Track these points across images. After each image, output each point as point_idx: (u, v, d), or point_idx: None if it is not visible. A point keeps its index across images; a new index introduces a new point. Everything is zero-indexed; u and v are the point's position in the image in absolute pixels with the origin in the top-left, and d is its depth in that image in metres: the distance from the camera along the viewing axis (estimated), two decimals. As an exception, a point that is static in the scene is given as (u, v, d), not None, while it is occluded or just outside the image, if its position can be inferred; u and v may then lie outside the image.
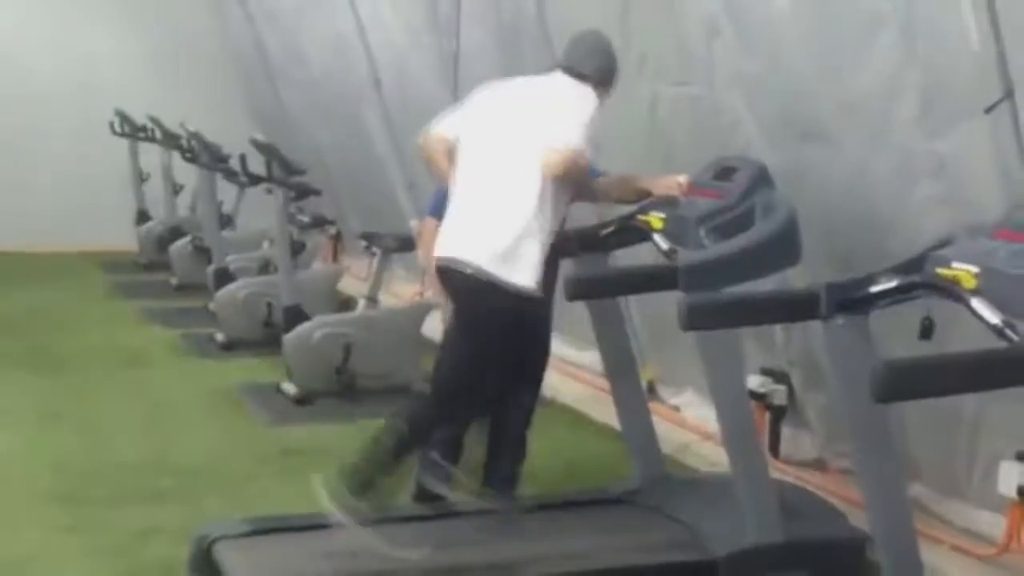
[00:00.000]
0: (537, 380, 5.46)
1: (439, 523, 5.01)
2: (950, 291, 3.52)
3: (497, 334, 4.76)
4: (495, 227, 4.68)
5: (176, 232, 11.65)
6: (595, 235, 5.05)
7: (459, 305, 4.89)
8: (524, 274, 4.63)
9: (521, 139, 4.73)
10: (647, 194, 4.94)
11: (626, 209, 5.04)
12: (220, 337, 8.92)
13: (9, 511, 5.51)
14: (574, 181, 4.75)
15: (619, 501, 5.12)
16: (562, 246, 5.13)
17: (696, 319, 4.02)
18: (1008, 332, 3.30)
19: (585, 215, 5.37)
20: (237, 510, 5.16)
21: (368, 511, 4.59)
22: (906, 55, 4.48)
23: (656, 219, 4.77)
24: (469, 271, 4.67)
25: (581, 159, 4.67)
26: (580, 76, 4.89)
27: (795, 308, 4.13)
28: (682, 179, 4.86)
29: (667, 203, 4.82)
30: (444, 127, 4.93)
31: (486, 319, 4.76)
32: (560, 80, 4.91)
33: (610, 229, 4.99)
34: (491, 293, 4.65)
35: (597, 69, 4.95)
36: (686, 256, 4.44)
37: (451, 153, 4.86)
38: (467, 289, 4.73)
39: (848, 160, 4.91)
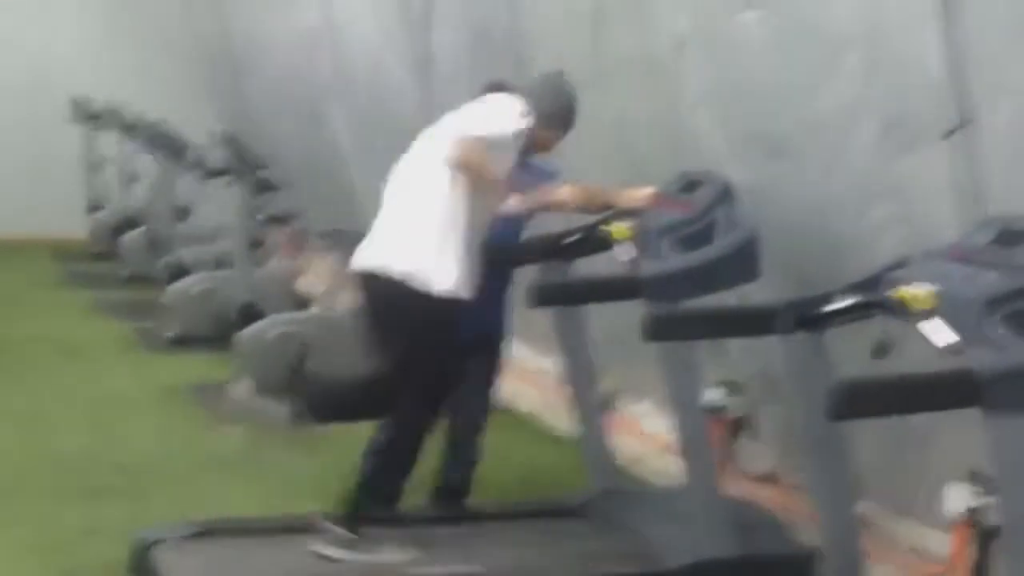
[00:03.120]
0: (486, 386, 5.45)
1: (390, 531, 5.00)
2: (903, 312, 3.55)
3: (416, 338, 4.80)
4: (407, 234, 4.75)
5: (130, 222, 11.56)
6: (558, 243, 5.06)
7: (377, 313, 4.91)
8: (439, 276, 4.68)
9: (437, 149, 4.77)
10: (611, 207, 4.95)
11: (590, 218, 5.05)
12: (170, 332, 8.84)
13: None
14: (477, 173, 4.71)
15: (573, 512, 5.13)
16: (522, 254, 5.15)
17: (661, 330, 4.06)
18: (958, 354, 3.34)
19: (550, 223, 5.37)
20: (180, 510, 5.11)
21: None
22: (868, 78, 4.53)
23: (619, 229, 4.79)
24: (384, 277, 4.73)
25: (481, 149, 4.66)
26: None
27: (756, 323, 4.18)
28: (649, 192, 4.88)
29: (632, 215, 4.84)
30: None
31: (404, 324, 4.80)
32: (498, 97, 4.94)
33: (573, 237, 5.01)
34: (406, 297, 4.70)
35: (548, 107, 4.93)
36: (650, 267, 4.46)
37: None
38: (383, 295, 4.79)
39: (809, 179, 4.95)
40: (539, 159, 5.15)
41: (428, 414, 4.94)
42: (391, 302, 4.77)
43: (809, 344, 3.90)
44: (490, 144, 4.67)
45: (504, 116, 4.79)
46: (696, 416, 4.75)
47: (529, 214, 5.15)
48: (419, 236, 4.72)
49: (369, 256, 4.82)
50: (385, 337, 4.90)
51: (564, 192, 4.97)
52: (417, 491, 5.45)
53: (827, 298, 3.84)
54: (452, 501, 5.44)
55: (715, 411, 5.84)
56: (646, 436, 6.64)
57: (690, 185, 4.82)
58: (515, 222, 5.20)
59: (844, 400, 3.27)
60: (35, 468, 5.92)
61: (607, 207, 4.95)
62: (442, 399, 5.01)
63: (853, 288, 3.80)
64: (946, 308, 3.43)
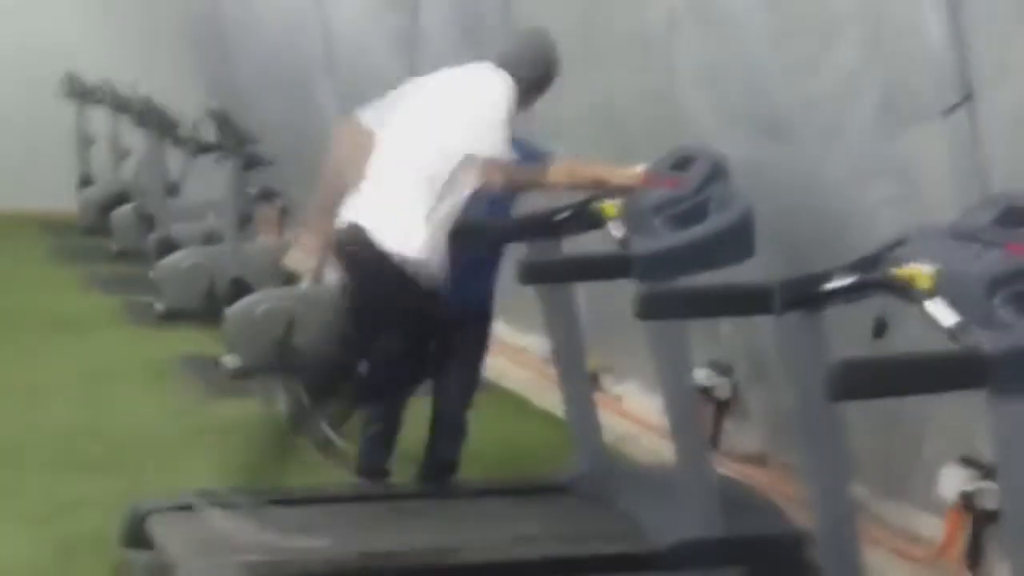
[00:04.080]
0: (475, 361, 5.41)
1: (376, 505, 4.98)
2: (904, 291, 3.50)
3: (388, 305, 4.76)
4: (398, 204, 4.67)
5: (120, 198, 11.50)
6: (548, 220, 5.01)
7: (355, 275, 4.85)
8: (419, 248, 4.62)
9: (438, 126, 4.72)
10: (601, 185, 4.87)
11: (580, 195, 5.00)
12: (160, 306, 8.81)
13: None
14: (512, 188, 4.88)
15: (561, 489, 5.10)
16: (513, 231, 5.10)
17: (652, 309, 4.01)
18: (963, 334, 3.29)
19: (539, 200, 5.32)
20: (171, 483, 5.11)
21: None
22: (867, 55, 4.48)
23: (610, 206, 4.73)
24: (367, 241, 4.64)
25: (507, 168, 4.72)
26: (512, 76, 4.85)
27: (749, 302, 4.12)
28: (639, 170, 4.82)
29: (622, 193, 4.78)
30: (367, 117, 4.90)
31: (379, 291, 4.74)
32: (483, 71, 4.87)
33: (564, 215, 4.94)
34: (386, 267, 4.63)
35: (529, 73, 4.89)
36: (641, 245, 4.41)
37: (366, 146, 4.82)
38: (364, 260, 4.70)
39: (806, 156, 4.91)
40: (525, 130, 5.10)
41: (392, 384, 4.92)
42: (370, 268, 4.70)
43: (806, 324, 3.85)
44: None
45: (497, 107, 4.73)
46: (686, 395, 4.70)
47: (514, 193, 5.11)
48: (409, 206, 4.65)
49: (356, 214, 4.73)
50: (361, 303, 4.85)
51: (552, 173, 4.91)
52: (405, 466, 5.45)
53: (825, 277, 3.77)
54: (440, 477, 5.41)
55: (704, 391, 5.83)
56: (632, 415, 6.62)
57: (683, 161, 4.75)
58: (505, 198, 5.15)
59: (845, 380, 3.20)
60: (27, 440, 5.91)
61: (597, 186, 4.89)
62: (406, 373, 4.98)
63: (852, 267, 3.74)
64: (948, 288, 3.35)
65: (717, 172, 4.68)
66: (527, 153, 5.17)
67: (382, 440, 5.36)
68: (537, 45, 5.00)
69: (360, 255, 4.71)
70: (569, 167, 4.92)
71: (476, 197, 4.77)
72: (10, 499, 5.19)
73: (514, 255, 5.08)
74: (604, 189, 4.83)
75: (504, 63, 4.89)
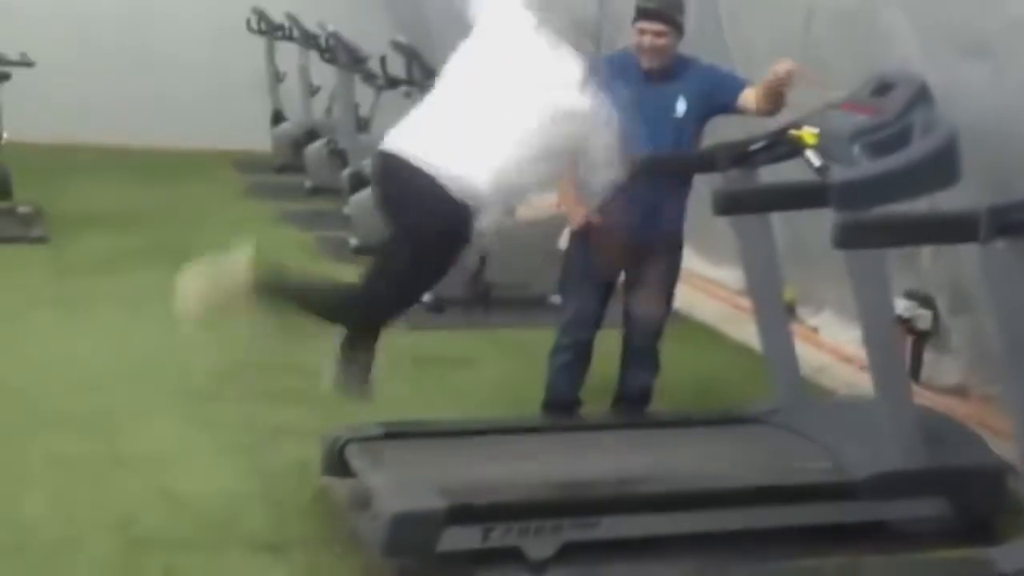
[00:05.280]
0: (665, 292, 5.37)
1: (568, 436, 5.03)
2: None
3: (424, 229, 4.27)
4: (471, 139, 4.24)
5: (311, 134, 11.66)
6: (743, 149, 4.94)
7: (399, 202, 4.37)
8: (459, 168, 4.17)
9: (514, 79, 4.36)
10: (774, 95, 4.84)
11: (774, 123, 4.93)
12: (354, 241, 8.95)
13: (140, 408, 5.57)
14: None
15: (757, 421, 5.06)
16: (707, 161, 5.04)
17: (852, 238, 3.93)
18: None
19: (733, 131, 5.26)
20: (367, 414, 5.19)
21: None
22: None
23: (809, 134, 4.62)
24: (419, 164, 4.21)
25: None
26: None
27: (953, 230, 4.02)
28: (787, 65, 4.75)
29: (816, 115, 4.69)
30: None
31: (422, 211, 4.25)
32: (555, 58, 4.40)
33: (760, 144, 4.87)
34: (415, 175, 4.21)
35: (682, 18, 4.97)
36: (840, 173, 4.32)
37: None
38: (412, 184, 4.23)
39: (1013, 79, 4.73)
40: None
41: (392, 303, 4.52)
42: (401, 177, 4.28)
43: (1012, 252, 3.74)
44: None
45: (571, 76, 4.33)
46: (886, 326, 4.61)
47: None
48: (486, 146, 4.23)
49: (410, 143, 4.31)
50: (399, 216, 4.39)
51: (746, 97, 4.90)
52: (599, 399, 5.47)
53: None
54: (634, 407, 5.43)
55: (903, 322, 5.72)
56: (829, 347, 6.53)
57: (883, 87, 4.62)
58: (683, 131, 5.13)
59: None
60: (227, 372, 6.05)
61: (772, 98, 4.85)
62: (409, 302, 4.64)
63: None
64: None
65: (919, 97, 4.53)
66: (720, 78, 5.13)
67: (571, 371, 5.38)
68: None
69: (392, 167, 4.29)
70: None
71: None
72: (214, 430, 5.33)
73: (707, 185, 5.03)
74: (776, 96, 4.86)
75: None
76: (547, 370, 5.42)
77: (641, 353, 5.44)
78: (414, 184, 4.21)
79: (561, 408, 5.41)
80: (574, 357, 5.37)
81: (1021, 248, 3.74)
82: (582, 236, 5.22)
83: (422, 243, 4.27)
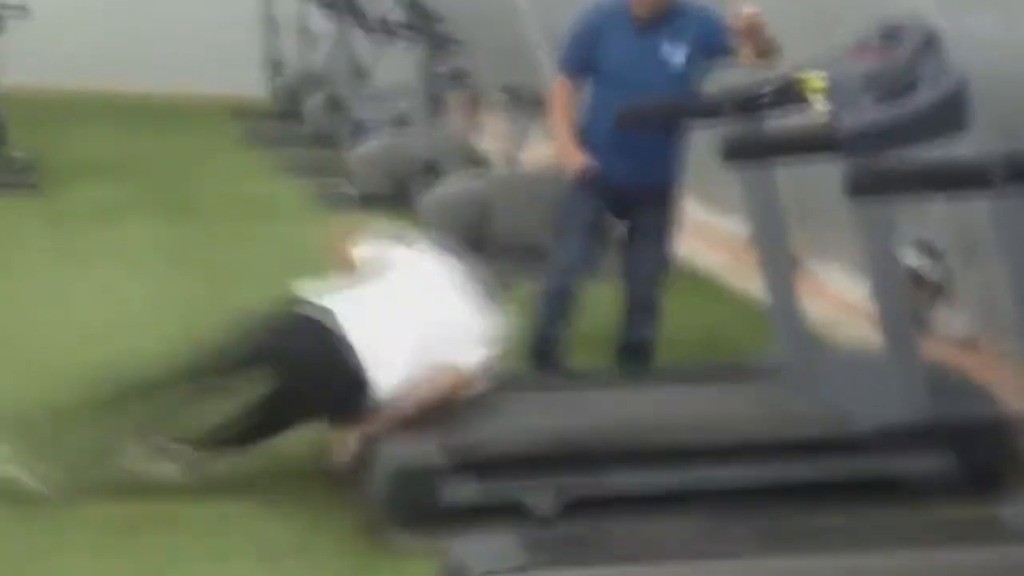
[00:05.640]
0: (661, 242, 5.35)
1: (570, 390, 4.97)
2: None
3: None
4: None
5: (310, 82, 11.57)
6: (749, 96, 4.84)
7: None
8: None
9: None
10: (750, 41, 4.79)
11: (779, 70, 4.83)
12: (353, 191, 8.88)
13: (138, 354, 5.50)
14: None
15: (761, 374, 4.99)
16: (710, 108, 4.96)
17: (862, 186, 3.84)
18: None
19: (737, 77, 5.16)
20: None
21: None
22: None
23: (816, 80, 4.54)
24: (340, 335, 4.46)
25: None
26: None
27: (966, 178, 3.92)
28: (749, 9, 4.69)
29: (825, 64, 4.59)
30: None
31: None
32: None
33: (766, 90, 4.78)
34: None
35: None
36: (848, 119, 4.23)
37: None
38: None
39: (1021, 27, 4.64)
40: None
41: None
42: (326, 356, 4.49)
43: (1026, 200, 3.67)
44: None
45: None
46: (894, 278, 4.55)
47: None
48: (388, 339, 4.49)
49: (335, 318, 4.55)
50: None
51: None
52: (600, 351, 5.41)
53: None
54: (637, 358, 5.36)
55: (912, 274, 5.64)
56: (835, 299, 6.46)
57: (892, 33, 4.53)
58: (682, 78, 5.07)
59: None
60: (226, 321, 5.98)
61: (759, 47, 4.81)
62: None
63: None
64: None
65: (928, 44, 4.44)
66: (714, 20, 5.03)
67: (553, 316, 5.34)
68: None
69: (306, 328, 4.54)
70: None
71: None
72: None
73: (711, 134, 4.94)
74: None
75: None
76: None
77: (641, 304, 5.38)
78: (323, 349, 4.40)
79: (542, 354, 5.35)
80: (557, 302, 5.32)
81: (1035, 197, 3.67)
82: (576, 184, 5.17)
83: (304, 400, 4.42)
